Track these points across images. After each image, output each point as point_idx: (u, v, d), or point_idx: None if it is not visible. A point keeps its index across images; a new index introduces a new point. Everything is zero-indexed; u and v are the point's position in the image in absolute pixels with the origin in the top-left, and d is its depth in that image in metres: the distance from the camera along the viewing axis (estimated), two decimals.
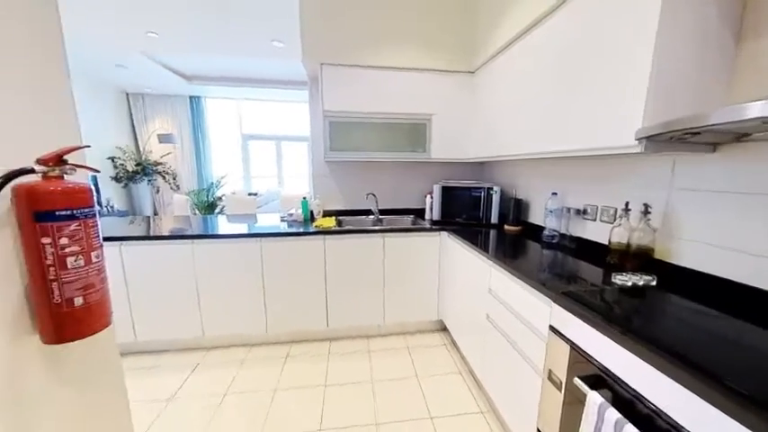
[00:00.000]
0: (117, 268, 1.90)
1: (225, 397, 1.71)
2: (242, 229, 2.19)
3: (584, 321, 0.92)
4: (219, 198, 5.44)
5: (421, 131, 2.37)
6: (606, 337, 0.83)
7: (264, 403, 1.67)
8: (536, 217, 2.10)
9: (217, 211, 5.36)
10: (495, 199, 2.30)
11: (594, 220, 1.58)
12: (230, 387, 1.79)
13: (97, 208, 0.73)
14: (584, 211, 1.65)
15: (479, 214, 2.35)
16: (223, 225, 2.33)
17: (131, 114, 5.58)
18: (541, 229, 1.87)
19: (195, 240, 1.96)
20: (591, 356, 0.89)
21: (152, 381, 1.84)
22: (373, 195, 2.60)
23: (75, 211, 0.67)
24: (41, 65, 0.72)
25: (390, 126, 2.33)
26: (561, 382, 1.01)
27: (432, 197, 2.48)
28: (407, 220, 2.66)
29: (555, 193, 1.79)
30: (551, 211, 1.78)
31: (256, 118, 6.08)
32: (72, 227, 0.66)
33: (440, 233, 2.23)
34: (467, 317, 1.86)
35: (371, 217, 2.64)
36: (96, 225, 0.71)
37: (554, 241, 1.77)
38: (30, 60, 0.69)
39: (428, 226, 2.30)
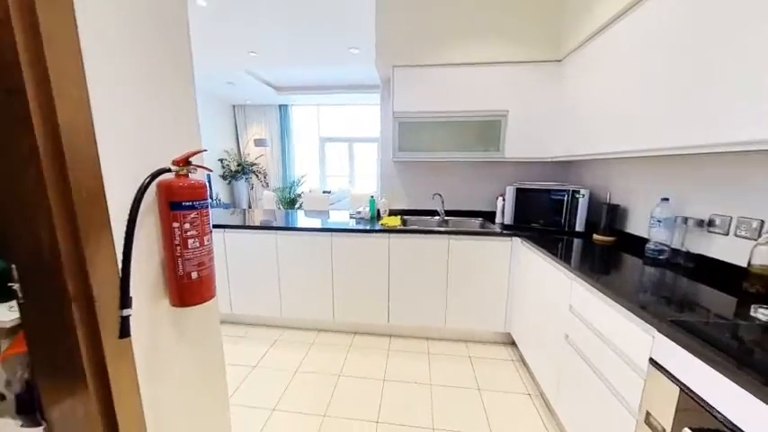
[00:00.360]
0: (220, 251, 2.30)
1: (296, 374, 1.91)
2: (316, 223, 2.40)
3: (705, 362, 0.73)
4: (299, 195, 6.07)
5: (494, 129, 2.22)
6: (740, 388, 0.64)
7: (329, 386, 1.80)
8: (636, 227, 1.76)
9: (296, 206, 5.99)
10: (582, 203, 2.00)
11: (726, 234, 1.24)
12: (301, 365, 1.99)
13: (209, 201, 0.89)
14: (711, 223, 1.31)
15: (561, 220, 2.09)
16: (301, 219, 2.59)
17: (236, 123, 6.64)
18: (644, 241, 1.57)
19: (278, 231, 2.23)
20: (712, 407, 0.70)
21: (241, 348, 2.17)
22: (439, 196, 2.55)
23: (195, 203, 0.83)
24: (179, 90, 0.91)
25: (460, 125, 2.25)
26: (664, 430, 0.83)
27: (504, 199, 2.31)
28: (475, 223, 2.53)
29: (666, 199, 1.47)
30: (659, 221, 1.47)
31: (332, 122, 6.58)
32: (192, 215, 0.82)
33: (512, 239, 2.06)
34: (541, 334, 1.68)
35: (437, 218, 2.60)
36: (208, 215, 0.88)
37: (662, 257, 1.46)
38: (172, 88, 0.88)
39: (498, 230, 2.14)
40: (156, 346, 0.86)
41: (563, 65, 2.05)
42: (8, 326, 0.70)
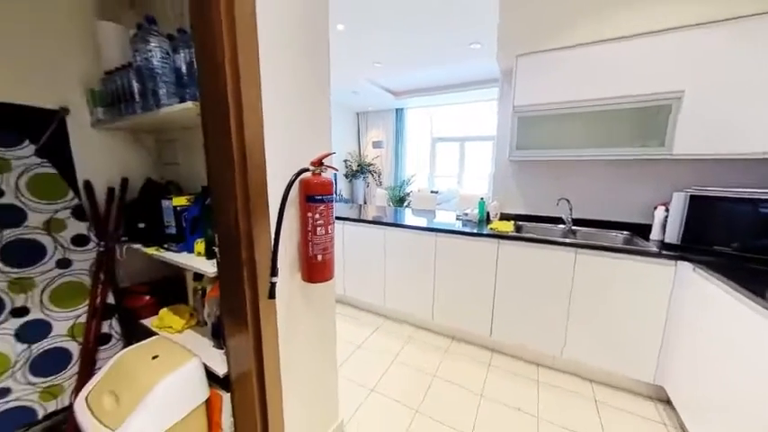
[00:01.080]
0: (339, 240, 2.66)
1: (393, 363, 2.02)
2: (421, 222, 2.45)
3: None
4: (408, 194, 6.34)
5: (657, 118, 1.71)
6: None
7: (424, 384, 1.83)
8: None
9: (405, 204, 6.28)
10: None
11: None
12: (398, 356, 2.09)
13: (334, 196, 1.05)
14: None
15: None
16: (408, 217, 2.71)
17: (358, 127, 7.50)
18: None
19: (386, 227, 2.40)
20: None
21: (350, 328, 2.45)
22: (566, 201, 2.17)
23: (324, 197, 0.99)
24: (319, 106, 1.10)
25: (600, 116, 1.84)
26: None
27: (667, 210, 1.76)
28: (616, 237, 2.03)
29: None
30: None
31: (444, 121, 6.55)
32: (321, 207, 0.99)
33: (677, 263, 1.54)
34: (726, 406, 1.21)
35: (561, 227, 2.22)
36: (333, 208, 1.03)
37: None
38: (314, 105, 1.08)
39: (655, 250, 1.63)
40: (290, 309, 1.09)
41: None
42: (211, 275, 1.03)
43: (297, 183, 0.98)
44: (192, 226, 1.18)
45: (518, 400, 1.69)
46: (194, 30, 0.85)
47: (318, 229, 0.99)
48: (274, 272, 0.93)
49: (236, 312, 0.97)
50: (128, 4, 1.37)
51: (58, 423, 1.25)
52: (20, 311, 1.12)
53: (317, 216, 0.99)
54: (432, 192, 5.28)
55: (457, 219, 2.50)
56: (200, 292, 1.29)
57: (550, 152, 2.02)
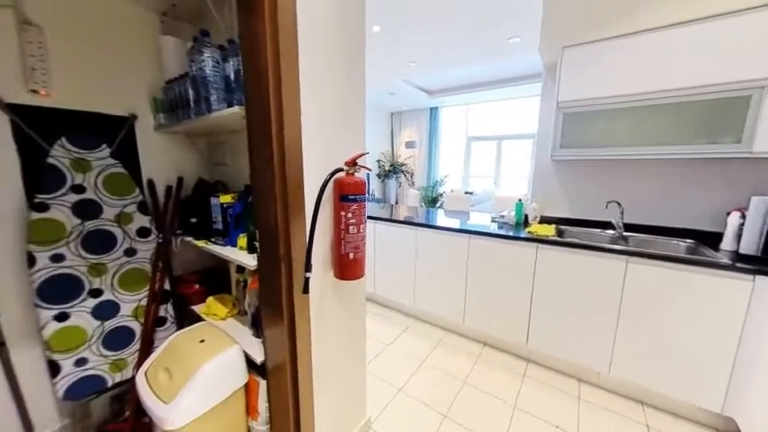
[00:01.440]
0: (371, 239, 2.69)
1: (422, 364, 2.00)
2: (454, 223, 2.40)
3: None
4: (440, 194, 6.23)
5: (732, 111, 1.50)
6: None
7: (453, 389, 1.79)
8: None
9: (437, 205, 6.18)
10: None
11: None
12: (427, 358, 2.06)
13: (367, 196, 1.07)
14: None
15: None
16: (440, 218, 2.66)
17: (392, 127, 7.53)
18: None
19: (418, 227, 2.38)
20: None
21: (379, 326, 2.48)
22: (617, 204, 1.98)
23: (357, 197, 1.01)
24: (354, 109, 1.13)
25: (661, 110, 1.65)
26: None
27: (743, 216, 1.54)
28: (679, 246, 1.81)
29: None
30: None
31: (480, 119, 6.33)
32: (354, 207, 1.01)
33: (755, 278, 1.33)
34: None
35: (610, 232, 2.04)
36: (365, 207, 1.05)
37: None
38: (349, 108, 1.10)
39: (727, 261, 1.42)
40: (322, 304, 1.12)
41: None
42: (252, 268, 1.10)
43: (331, 182, 1.01)
44: (235, 222, 1.27)
45: (556, 416, 1.58)
46: (242, 39, 0.91)
47: (351, 227, 1.02)
48: (308, 268, 0.97)
49: (272, 304, 1.02)
50: (186, 19, 1.51)
51: (123, 393, 1.43)
52: (96, 292, 1.29)
53: (350, 215, 1.01)
54: (466, 193, 5.13)
55: (492, 221, 2.40)
56: (241, 283, 1.39)
57: (599, 151, 1.86)
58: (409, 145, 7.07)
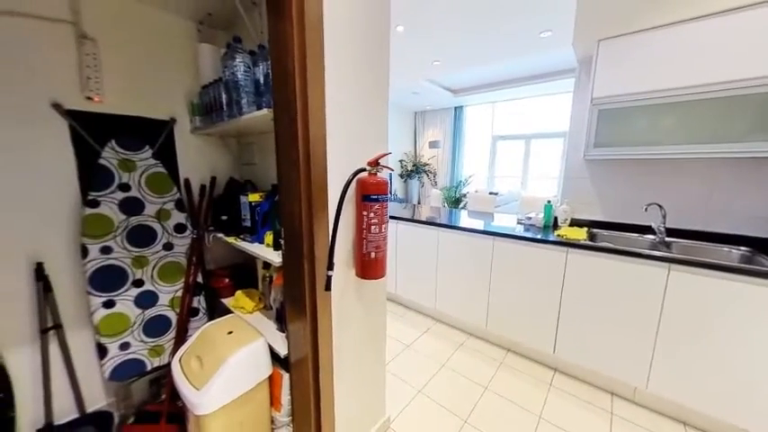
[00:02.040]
0: (392, 238, 2.69)
1: (443, 367, 1.97)
2: (478, 225, 2.34)
3: None
4: (464, 195, 6.10)
5: None
6: None
7: (474, 394, 1.74)
8: None
9: (461, 206, 6.05)
10: None
11: None
12: (448, 362, 2.03)
13: (389, 196, 1.07)
14: None
15: None
16: (463, 219, 2.61)
17: (415, 127, 7.48)
18: None
19: (440, 228, 2.35)
20: None
21: (399, 326, 2.47)
22: (658, 207, 1.84)
23: (379, 197, 1.01)
24: (378, 109, 1.13)
25: (708, 104, 1.51)
26: None
27: None
28: (731, 254, 1.65)
29: None
30: None
31: (507, 118, 6.12)
32: (376, 206, 1.02)
33: None
34: None
35: (649, 237, 1.89)
36: (387, 207, 1.05)
37: None
38: (373, 108, 1.11)
39: None
40: (344, 302, 1.14)
41: None
42: (277, 265, 1.14)
43: (354, 182, 1.03)
44: (263, 220, 1.33)
45: (586, 431, 1.50)
46: (270, 41, 0.95)
47: (373, 227, 1.02)
48: (331, 266, 0.99)
49: (296, 300, 1.06)
50: (221, 26, 1.60)
51: (160, 377, 1.54)
52: (138, 283, 1.40)
53: (372, 215, 1.02)
54: (490, 193, 4.99)
55: (518, 223, 2.32)
56: (267, 278, 1.44)
57: (640, 149, 1.74)
58: (433, 145, 6.98)
